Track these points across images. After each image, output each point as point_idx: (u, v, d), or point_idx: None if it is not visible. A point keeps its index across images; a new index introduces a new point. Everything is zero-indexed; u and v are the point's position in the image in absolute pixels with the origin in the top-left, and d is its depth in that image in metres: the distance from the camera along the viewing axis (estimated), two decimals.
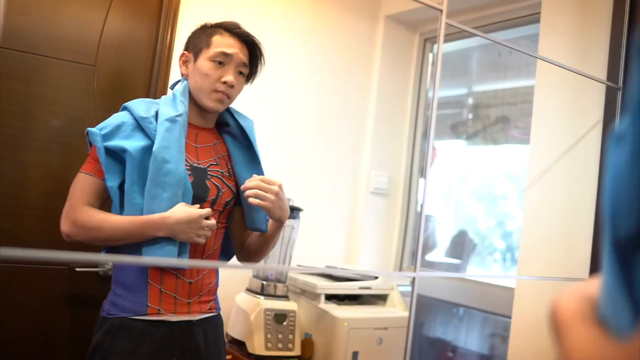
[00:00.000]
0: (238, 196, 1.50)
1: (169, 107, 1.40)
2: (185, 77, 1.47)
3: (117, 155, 1.35)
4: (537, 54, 1.92)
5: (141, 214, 1.33)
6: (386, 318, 2.07)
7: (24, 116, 1.80)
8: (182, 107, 1.40)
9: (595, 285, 0.37)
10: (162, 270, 1.37)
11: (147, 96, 1.97)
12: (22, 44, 1.78)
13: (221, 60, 1.43)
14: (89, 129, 1.36)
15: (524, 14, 2.26)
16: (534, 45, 2.09)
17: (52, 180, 1.82)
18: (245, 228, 1.53)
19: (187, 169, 1.38)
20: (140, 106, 1.41)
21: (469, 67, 2.85)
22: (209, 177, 1.43)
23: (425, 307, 2.58)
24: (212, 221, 1.38)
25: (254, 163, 1.52)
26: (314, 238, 2.43)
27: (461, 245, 2.69)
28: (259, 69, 1.54)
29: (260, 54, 1.52)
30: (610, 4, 1.82)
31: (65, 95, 1.86)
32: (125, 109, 1.42)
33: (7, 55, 1.75)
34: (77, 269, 1.86)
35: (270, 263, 2.14)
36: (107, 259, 1.34)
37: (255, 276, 2.10)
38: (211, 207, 1.41)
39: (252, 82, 1.56)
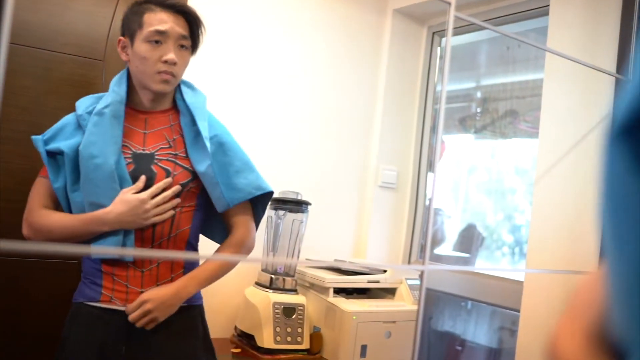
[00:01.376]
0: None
1: (104, 99, 1.37)
2: (127, 63, 1.41)
3: (59, 157, 1.35)
4: (546, 46, 1.91)
5: (84, 212, 1.33)
6: (395, 311, 2.08)
7: (33, 111, 1.82)
8: (111, 97, 1.36)
9: (589, 312, 0.33)
10: (115, 258, 1.35)
11: None
12: (32, 39, 1.80)
13: (157, 39, 1.35)
14: (32, 136, 1.37)
15: (532, 6, 2.24)
16: (542, 38, 2.08)
17: None
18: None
19: (127, 158, 1.35)
20: (84, 103, 1.39)
21: (477, 61, 2.83)
22: (156, 161, 1.38)
23: (433, 301, 2.58)
24: (161, 196, 1.33)
25: (199, 142, 1.41)
26: (322, 232, 2.44)
27: (469, 239, 2.69)
28: (200, 38, 1.45)
29: (200, 22, 1.43)
30: None
31: (74, 91, 1.87)
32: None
33: (17, 50, 1.76)
34: None
35: (278, 257, 2.15)
36: (117, 253, 1.35)
37: (264, 270, 2.11)
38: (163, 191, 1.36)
39: (196, 52, 1.47)
